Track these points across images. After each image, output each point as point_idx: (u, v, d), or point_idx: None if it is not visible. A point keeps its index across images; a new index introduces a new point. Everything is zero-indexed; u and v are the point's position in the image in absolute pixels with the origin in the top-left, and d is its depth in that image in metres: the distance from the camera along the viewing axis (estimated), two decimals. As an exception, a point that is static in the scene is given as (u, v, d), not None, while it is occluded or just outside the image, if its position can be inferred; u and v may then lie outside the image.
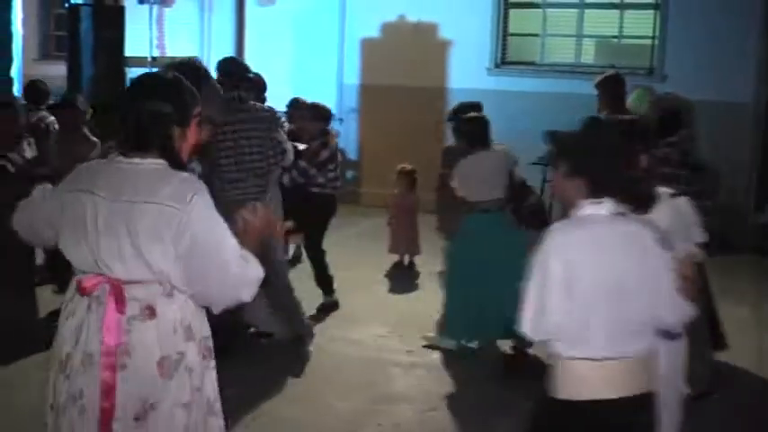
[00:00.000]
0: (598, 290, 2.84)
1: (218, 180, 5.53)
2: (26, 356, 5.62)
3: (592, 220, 2.91)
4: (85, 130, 6.95)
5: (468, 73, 11.60)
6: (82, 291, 2.69)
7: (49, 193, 2.93)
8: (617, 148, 3.02)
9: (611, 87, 7.48)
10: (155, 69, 14.11)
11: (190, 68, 3.66)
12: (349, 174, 12.12)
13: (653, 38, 11.04)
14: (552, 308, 2.84)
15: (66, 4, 12.10)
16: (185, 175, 2.74)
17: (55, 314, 3.24)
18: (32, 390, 4.59)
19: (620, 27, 11.39)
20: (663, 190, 3.61)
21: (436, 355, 6.20)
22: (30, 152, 6.44)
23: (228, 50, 13.87)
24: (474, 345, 6.25)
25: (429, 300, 7.01)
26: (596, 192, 2.91)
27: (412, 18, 11.97)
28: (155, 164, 2.72)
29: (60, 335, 2.77)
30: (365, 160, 12.33)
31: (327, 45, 12.64)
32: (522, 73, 11.55)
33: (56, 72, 13.30)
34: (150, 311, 2.66)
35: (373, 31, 12.36)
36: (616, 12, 11.35)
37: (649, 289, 2.88)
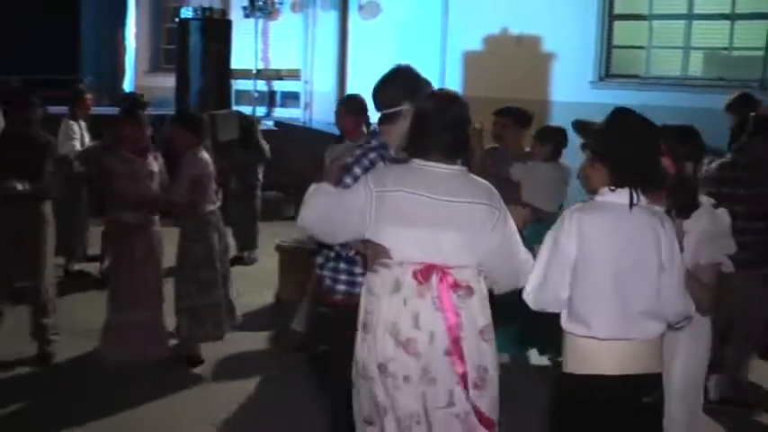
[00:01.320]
0: (606, 273, 2.96)
1: None
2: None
3: (609, 207, 3.01)
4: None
5: (570, 86, 11.47)
6: (420, 279, 3.09)
7: (347, 191, 3.30)
8: (638, 139, 3.05)
9: (743, 109, 7.00)
10: (260, 82, 14.45)
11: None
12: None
13: (765, 49, 10.70)
14: (554, 282, 3.01)
15: (177, 19, 12.50)
16: (482, 180, 3.29)
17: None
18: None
19: (731, 38, 11.06)
20: (705, 199, 3.64)
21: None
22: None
23: (331, 63, 14.07)
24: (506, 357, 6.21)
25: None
26: (616, 180, 3.01)
27: (514, 31, 11.91)
28: (455, 169, 3.21)
29: (385, 321, 3.12)
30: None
31: (429, 58, 12.66)
32: (626, 86, 11.33)
33: (165, 84, 13.72)
34: (470, 290, 3.15)
35: (475, 44, 12.35)
36: (726, 23, 11.03)
37: (654, 279, 2.98)
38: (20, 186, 5.80)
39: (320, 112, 13.71)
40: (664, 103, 10.46)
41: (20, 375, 5.80)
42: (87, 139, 8.18)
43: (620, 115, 3.10)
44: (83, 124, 8.25)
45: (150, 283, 6.03)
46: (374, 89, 3.66)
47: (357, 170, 3.43)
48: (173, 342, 6.20)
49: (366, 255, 3.27)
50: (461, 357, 3.10)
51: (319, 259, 3.66)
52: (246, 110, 12.87)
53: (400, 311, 3.10)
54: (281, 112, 14.75)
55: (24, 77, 15.03)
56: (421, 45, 12.78)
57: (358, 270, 3.51)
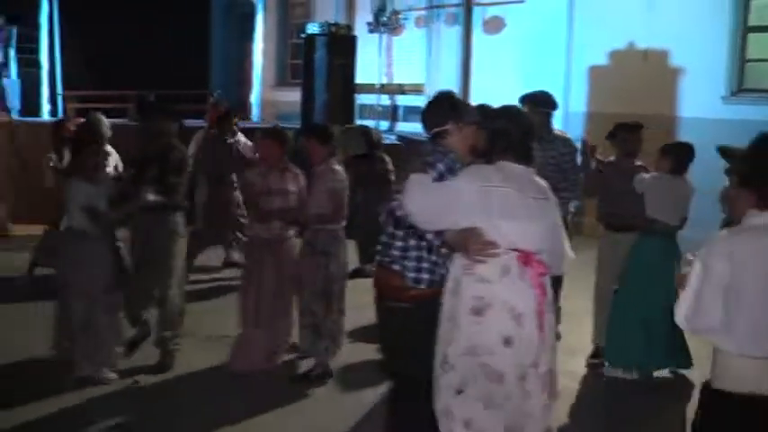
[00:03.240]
0: (760, 294, 2.99)
1: None
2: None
3: (756, 229, 3.06)
4: None
5: (700, 101, 11.13)
6: (522, 264, 3.63)
7: (448, 183, 3.75)
8: None
9: None
10: (383, 96, 14.59)
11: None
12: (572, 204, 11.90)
13: None
14: (707, 307, 3.05)
15: (303, 35, 12.75)
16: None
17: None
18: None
19: None
20: None
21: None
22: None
23: (454, 78, 14.10)
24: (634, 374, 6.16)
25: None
26: (762, 203, 3.06)
27: (641, 45, 11.67)
28: (528, 169, 3.79)
29: (501, 301, 3.63)
30: (588, 189, 12.05)
31: (553, 73, 12.54)
32: (760, 101, 10.92)
33: (291, 98, 14.02)
34: (545, 272, 3.73)
35: (601, 59, 12.16)
36: None
37: None
38: (152, 197, 5.95)
39: (442, 126, 13.71)
40: (800, 119, 10.05)
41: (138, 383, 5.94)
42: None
43: (766, 142, 3.16)
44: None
45: (281, 297, 6.07)
46: (423, 113, 4.14)
47: (441, 166, 3.80)
48: (291, 355, 6.25)
49: (463, 245, 3.67)
50: (542, 327, 3.66)
51: (394, 252, 3.96)
52: (370, 124, 13.02)
53: (512, 292, 3.63)
54: (403, 127, 14.86)
55: (157, 92, 15.67)
56: (545, 60, 12.68)
57: (440, 261, 3.90)
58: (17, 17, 14.38)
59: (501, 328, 3.62)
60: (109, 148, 7.37)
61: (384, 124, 14.59)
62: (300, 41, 13.66)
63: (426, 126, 4.10)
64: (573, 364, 6.42)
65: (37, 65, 15.15)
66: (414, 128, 14.31)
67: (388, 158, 9.25)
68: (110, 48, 18.00)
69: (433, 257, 3.91)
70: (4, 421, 5.13)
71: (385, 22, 14.46)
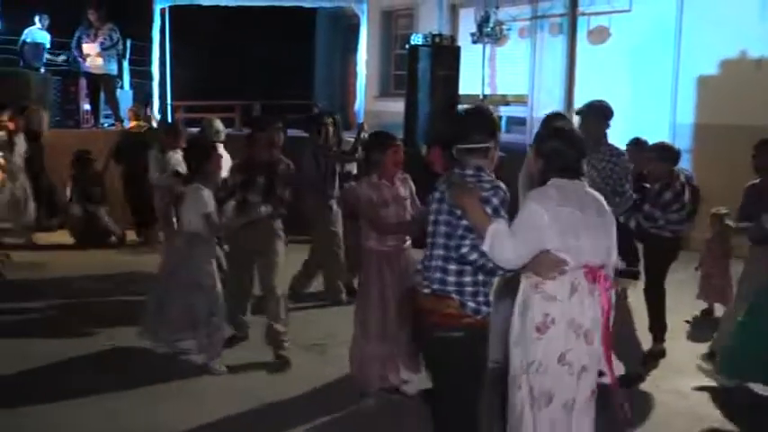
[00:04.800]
0: None
1: None
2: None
3: None
4: None
5: (816, 112, 10.72)
6: (590, 279, 3.75)
7: (525, 219, 3.79)
8: None
9: None
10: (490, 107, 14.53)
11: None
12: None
13: None
14: None
15: (407, 46, 12.81)
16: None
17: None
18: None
19: None
20: None
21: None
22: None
23: (558, 88, 13.95)
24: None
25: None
26: None
27: (754, 54, 11.30)
28: (583, 183, 3.90)
29: (567, 318, 3.75)
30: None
31: (660, 83, 12.29)
32: None
33: (394, 108, 14.08)
34: (611, 285, 3.85)
35: (710, 69, 11.81)
36: None
37: None
38: (263, 209, 6.24)
39: (545, 137, 13.57)
40: None
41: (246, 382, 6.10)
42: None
43: None
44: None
45: (399, 310, 5.76)
46: (460, 123, 4.18)
47: (495, 201, 3.83)
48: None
49: (536, 267, 3.76)
50: (607, 340, 3.81)
51: (449, 278, 3.90)
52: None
53: (579, 309, 3.74)
54: (506, 138, 14.77)
55: (263, 103, 15.99)
56: (652, 70, 12.43)
57: (489, 291, 3.96)
58: (131, 31, 14.96)
59: (561, 344, 3.74)
60: (222, 150, 7.49)
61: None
62: (404, 52, 13.73)
63: (462, 137, 4.03)
64: (679, 383, 6.27)
65: (148, 76, 15.70)
66: (517, 139, 14.24)
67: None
68: (217, 60, 18.51)
69: (486, 289, 3.94)
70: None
71: (489, 32, 14.40)
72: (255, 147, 6.55)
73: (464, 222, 3.82)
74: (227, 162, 7.35)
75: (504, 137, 15.24)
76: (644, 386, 6.17)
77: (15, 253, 9.91)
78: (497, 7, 14.46)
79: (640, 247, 7.24)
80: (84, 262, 9.88)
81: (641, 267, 7.09)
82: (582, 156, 3.94)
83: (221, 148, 7.43)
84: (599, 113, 6.52)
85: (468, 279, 3.88)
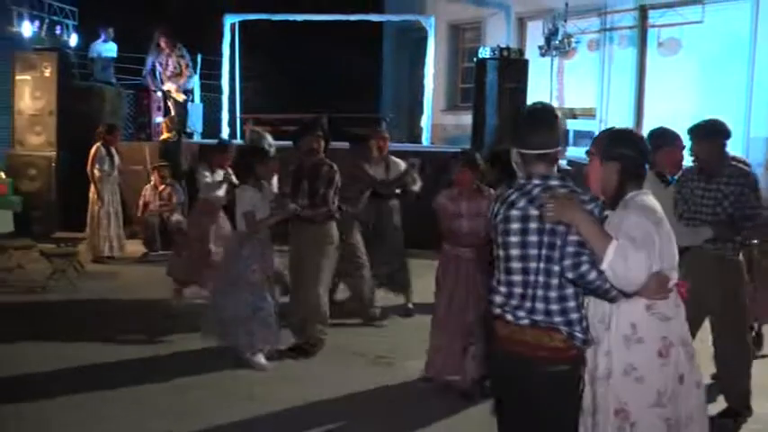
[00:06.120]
0: None
1: None
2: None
3: None
4: None
5: None
6: (683, 292, 3.63)
7: (645, 236, 3.46)
8: None
9: None
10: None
11: None
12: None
13: None
14: None
15: (474, 59, 12.80)
16: None
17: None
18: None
19: None
20: None
21: None
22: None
23: (627, 101, 13.80)
24: None
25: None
26: None
27: (831, 66, 11.07)
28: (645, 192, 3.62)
29: (678, 337, 3.58)
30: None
31: (733, 94, 12.07)
32: None
33: (461, 122, 14.10)
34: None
35: (786, 80, 11.60)
36: None
37: None
38: (292, 207, 6.62)
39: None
40: None
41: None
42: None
43: None
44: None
45: (470, 311, 6.04)
46: (532, 126, 3.52)
47: (597, 212, 3.39)
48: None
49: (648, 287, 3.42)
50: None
51: (552, 307, 3.38)
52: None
53: (683, 325, 3.63)
54: (573, 152, 14.63)
55: (330, 116, 16.09)
56: (725, 81, 12.22)
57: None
58: (201, 46, 15.27)
59: (679, 366, 3.55)
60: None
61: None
62: (471, 65, 13.73)
63: (530, 143, 3.47)
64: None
65: (218, 90, 15.98)
66: (584, 153, 14.12)
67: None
68: (286, 74, 18.73)
69: (586, 312, 3.50)
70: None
71: (557, 45, 14.33)
72: (299, 153, 6.93)
73: (574, 238, 3.30)
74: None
75: (570, 151, 15.14)
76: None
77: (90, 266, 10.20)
78: (566, 20, 14.38)
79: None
80: (152, 269, 10.05)
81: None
82: (647, 162, 3.69)
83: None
84: (711, 133, 5.90)
85: (571, 304, 3.38)
